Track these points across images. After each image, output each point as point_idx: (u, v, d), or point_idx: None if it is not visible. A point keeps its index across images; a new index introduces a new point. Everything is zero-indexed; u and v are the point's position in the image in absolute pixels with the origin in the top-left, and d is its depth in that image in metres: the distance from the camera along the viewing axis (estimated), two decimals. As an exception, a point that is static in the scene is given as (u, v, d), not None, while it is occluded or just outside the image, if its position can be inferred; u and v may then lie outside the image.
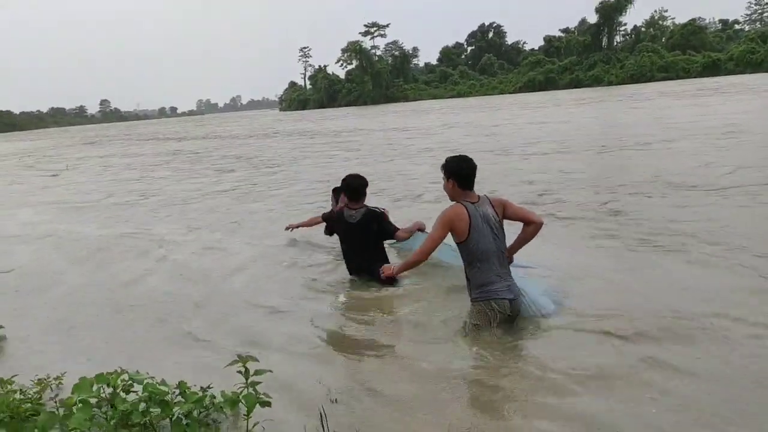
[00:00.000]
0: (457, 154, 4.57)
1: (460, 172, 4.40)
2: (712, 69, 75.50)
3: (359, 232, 5.83)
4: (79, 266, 7.52)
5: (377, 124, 38.37)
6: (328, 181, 12.75)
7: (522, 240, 4.59)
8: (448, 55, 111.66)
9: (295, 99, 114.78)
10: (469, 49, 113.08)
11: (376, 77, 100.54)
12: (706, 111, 24.59)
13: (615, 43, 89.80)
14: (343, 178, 5.99)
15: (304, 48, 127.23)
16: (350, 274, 6.00)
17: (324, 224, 6.51)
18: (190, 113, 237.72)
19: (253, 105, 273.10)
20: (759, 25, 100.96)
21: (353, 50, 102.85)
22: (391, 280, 5.45)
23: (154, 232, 9.36)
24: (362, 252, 5.83)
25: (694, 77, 73.78)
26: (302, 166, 17.78)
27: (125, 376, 3.37)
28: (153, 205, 12.40)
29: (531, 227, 4.50)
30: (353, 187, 5.88)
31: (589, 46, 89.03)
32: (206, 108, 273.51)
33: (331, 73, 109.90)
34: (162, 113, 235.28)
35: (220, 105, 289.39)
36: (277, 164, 18.87)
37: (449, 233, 4.41)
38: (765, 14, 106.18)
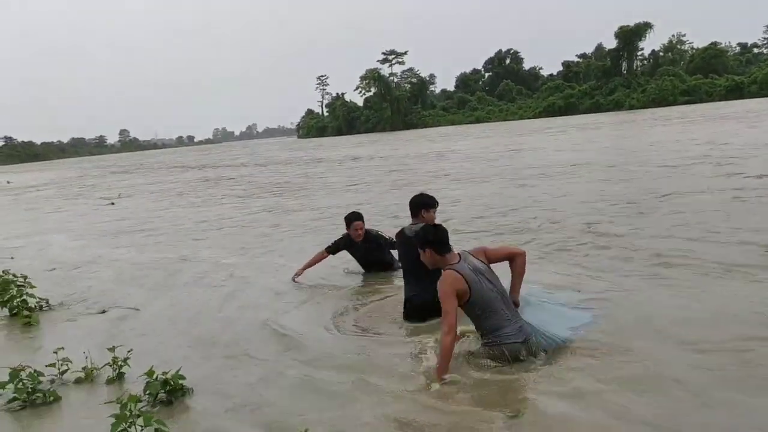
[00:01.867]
0: (426, 224, 4.82)
1: (435, 240, 4.50)
2: (736, 92, 74.96)
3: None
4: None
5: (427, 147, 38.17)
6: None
7: (517, 277, 4.65)
8: (466, 81, 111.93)
9: (313, 126, 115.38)
10: (487, 75, 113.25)
11: (395, 104, 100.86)
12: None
13: (635, 68, 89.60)
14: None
15: (322, 76, 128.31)
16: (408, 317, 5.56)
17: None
18: (207, 141, 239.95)
19: (269, 133, 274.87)
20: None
21: (372, 77, 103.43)
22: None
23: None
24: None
25: (718, 101, 73.29)
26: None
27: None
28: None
29: (518, 261, 4.60)
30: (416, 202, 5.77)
31: (608, 71, 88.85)
32: (222, 136, 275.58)
33: (349, 100, 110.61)
34: (180, 142, 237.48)
35: (236, 133, 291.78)
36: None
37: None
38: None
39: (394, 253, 7.11)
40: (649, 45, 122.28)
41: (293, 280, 7.35)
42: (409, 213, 5.79)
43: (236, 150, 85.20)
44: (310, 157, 42.63)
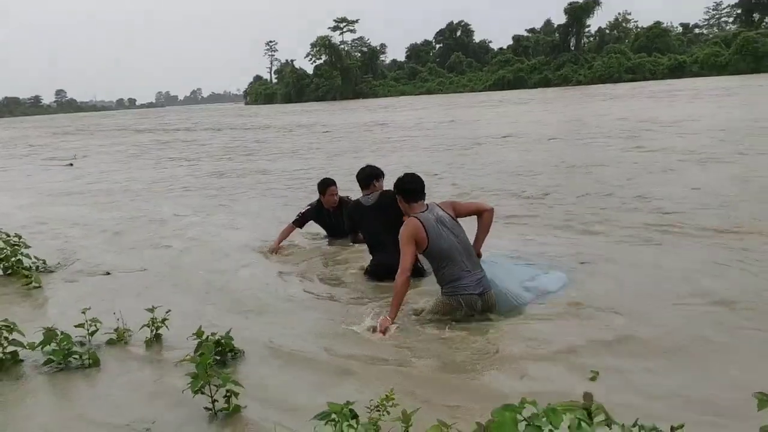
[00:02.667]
0: (406, 173, 4.83)
1: (404, 188, 4.70)
2: (678, 71, 77.30)
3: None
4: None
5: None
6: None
7: (482, 230, 4.75)
8: (417, 52, 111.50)
9: (261, 93, 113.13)
10: (437, 46, 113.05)
11: (346, 73, 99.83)
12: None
13: (582, 44, 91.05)
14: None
15: (271, 42, 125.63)
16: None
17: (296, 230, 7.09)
18: (149, 105, 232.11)
19: (215, 98, 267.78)
20: (717, 30, 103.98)
21: (322, 45, 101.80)
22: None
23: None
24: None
25: (661, 79, 75.40)
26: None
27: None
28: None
29: (485, 215, 4.70)
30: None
31: (557, 47, 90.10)
32: (166, 100, 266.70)
33: (299, 67, 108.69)
34: (120, 105, 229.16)
35: (180, 98, 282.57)
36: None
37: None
38: (722, 19, 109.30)
39: None
40: (596, 22, 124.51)
41: (270, 255, 7.04)
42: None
43: (183, 114, 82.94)
44: (259, 123, 41.95)
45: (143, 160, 21.03)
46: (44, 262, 6.73)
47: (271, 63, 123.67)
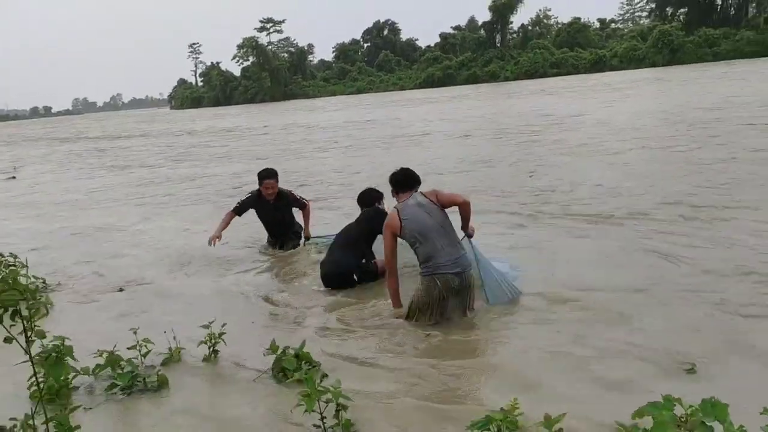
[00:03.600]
0: (400, 167, 5.10)
1: (392, 179, 5.00)
2: (600, 64, 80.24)
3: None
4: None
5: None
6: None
7: (464, 218, 4.96)
8: (345, 51, 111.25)
9: (188, 97, 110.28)
10: (365, 45, 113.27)
11: (274, 74, 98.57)
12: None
13: (507, 41, 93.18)
14: None
15: (194, 44, 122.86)
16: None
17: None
18: (66, 112, 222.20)
19: (136, 104, 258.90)
20: (631, 24, 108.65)
21: (249, 46, 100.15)
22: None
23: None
24: None
25: (584, 73, 78.10)
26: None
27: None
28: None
29: (462, 207, 4.85)
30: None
31: (483, 43, 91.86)
32: (84, 107, 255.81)
33: (225, 69, 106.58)
34: (35, 113, 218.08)
35: (99, 104, 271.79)
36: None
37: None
38: (636, 14, 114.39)
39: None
40: (518, 19, 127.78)
41: (211, 244, 6.90)
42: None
43: (105, 120, 80.00)
44: (188, 128, 41.02)
45: (81, 169, 20.57)
46: (44, 281, 6.34)
47: (196, 66, 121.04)
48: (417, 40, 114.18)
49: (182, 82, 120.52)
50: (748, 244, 5.93)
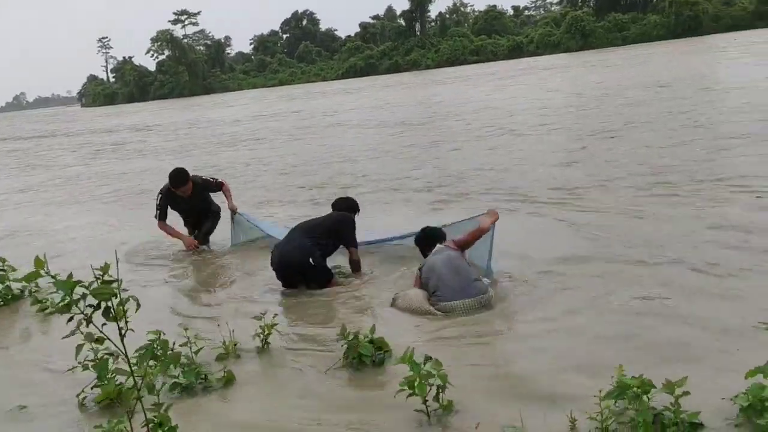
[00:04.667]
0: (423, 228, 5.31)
1: (417, 242, 5.29)
2: (517, 51, 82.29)
3: None
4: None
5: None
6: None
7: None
8: (264, 43, 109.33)
9: (99, 93, 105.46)
10: (284, 36, 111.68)
11: (192, 68, 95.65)
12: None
13: (427, 29, 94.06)
14: None
15: (104, 38, 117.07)
16: None
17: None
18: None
19: (42, 102, 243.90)
20: (543, 11, 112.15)
21: (164, 40, 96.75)
22: None
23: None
24: None
25: (502, 59, 79.90)
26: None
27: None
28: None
29: (475, 237, 5.04)
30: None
31: (404, 32, 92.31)
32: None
33: (138, 64, 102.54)
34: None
35: (1, 103, 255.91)
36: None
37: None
38: (548, 0, 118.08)
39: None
40: (435, 8, 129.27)
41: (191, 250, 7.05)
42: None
43: (8, 120, 75.38)
44: (101, 127, 39.38)
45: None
46: (36, 285, 5.88)
47: (107, 61, 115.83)
48: (336, 30, 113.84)
49: (93, 78, 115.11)
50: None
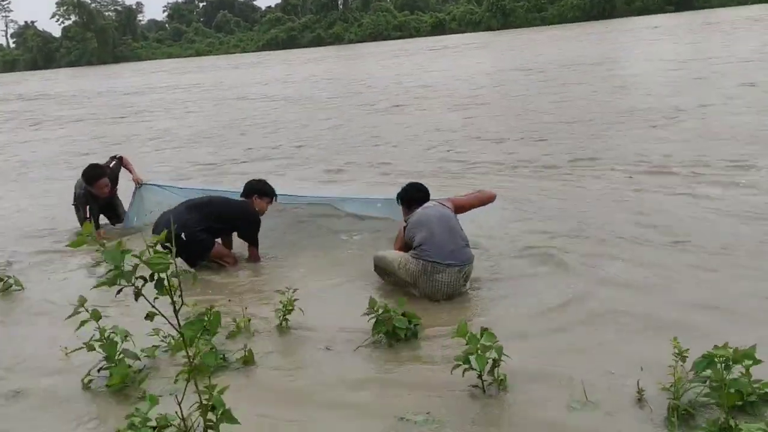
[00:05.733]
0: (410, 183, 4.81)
1: (402, 197, 4.72)
2: (439, 27, 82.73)
3: None
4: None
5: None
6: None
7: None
8: (179, 11, 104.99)
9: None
10: (201, 5, 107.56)
11: (101, 34, 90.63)
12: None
13: (350, 2, 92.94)
14: None
15: (2, 2, 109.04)
16: None
17: None
18: None
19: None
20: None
21: (70, 4, 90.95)
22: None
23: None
24: None
25: (425, 35, 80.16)
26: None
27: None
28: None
29: (474, 205, 4.80)
30: None
31: (326, 5, 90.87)
32: None
33: (42, 29, 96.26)
34: None
35: None
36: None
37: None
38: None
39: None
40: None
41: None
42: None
43: None
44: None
45: None
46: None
47: (6, 26, 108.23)
48: (255, 0, 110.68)
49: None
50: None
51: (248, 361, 3.34)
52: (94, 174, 6.05)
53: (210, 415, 2.37)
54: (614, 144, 8.75)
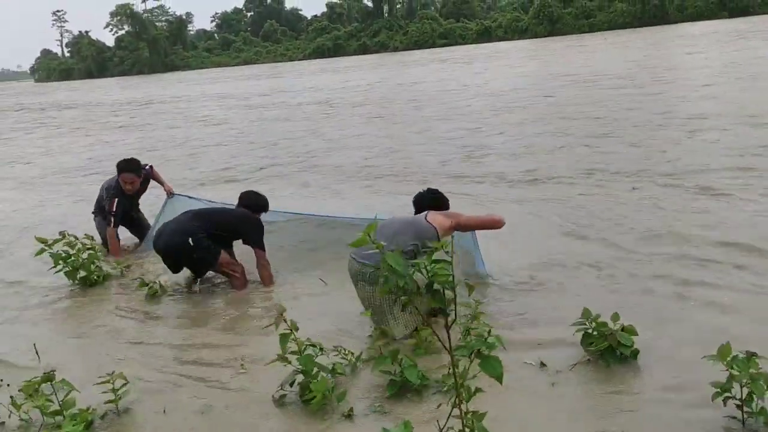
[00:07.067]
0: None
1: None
2: (485, 35, 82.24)
3: None
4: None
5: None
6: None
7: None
8: (227, 21, 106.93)
9: (55, 69, 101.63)
10: (249, 14, 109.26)
11: (153, 44, 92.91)
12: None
13: (395, 11, 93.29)
14: None
15: (58, 11, 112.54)
16: None
17: None
18: None
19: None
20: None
21: (123, 14, 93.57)
22: None
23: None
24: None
25: (471, 43, 79.79)
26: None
27: None
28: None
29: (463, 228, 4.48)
30: None
31: (371, 13, 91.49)
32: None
33: (96, 39, 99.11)
34: None
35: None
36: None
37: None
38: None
39: None
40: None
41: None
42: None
43: None
44: (81, 100, 37.84)
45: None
46: (128, 267, 5.42)
47: (62, 35, 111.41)
48: (301, 10, 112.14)
49: (47, 53, 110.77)
50: None
51: (446, 382, 3.24)
52: (128, 165, 5.92)
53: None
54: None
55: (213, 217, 5.05)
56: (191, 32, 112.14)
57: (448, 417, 2.25)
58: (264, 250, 5.05)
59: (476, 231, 4.51)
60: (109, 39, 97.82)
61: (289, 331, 3.16)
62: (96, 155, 13.80)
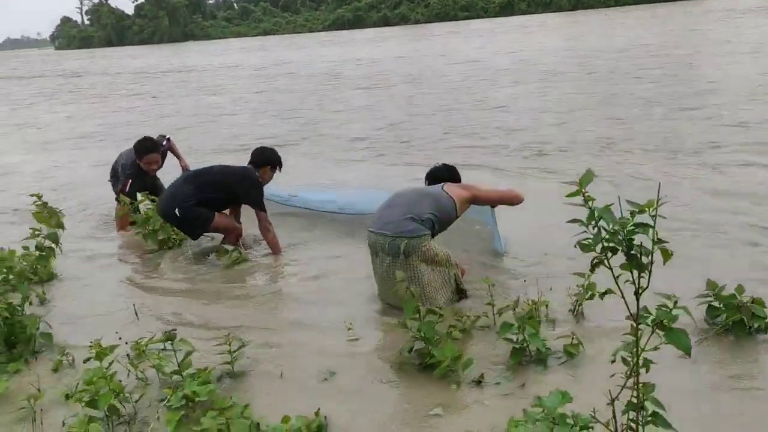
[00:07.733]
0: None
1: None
2: (508, 9, 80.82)
3: None
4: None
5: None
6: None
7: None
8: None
9: (75, 37, 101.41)
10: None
11: (172, 13, 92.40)
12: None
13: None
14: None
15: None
16: None
17: None
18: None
19: (13, 44, 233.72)
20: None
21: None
22: None
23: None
24: None
25: (493, 16, 78.58)
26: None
27: None
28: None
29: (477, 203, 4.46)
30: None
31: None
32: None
33: (115, 7, 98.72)
34: None
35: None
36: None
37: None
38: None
39: None
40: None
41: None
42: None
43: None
44: (102, 68, 37.75)
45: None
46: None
47: (81, 3, 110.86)
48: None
49: (66, 21, 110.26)
50: None
51: (572, 352, 3.15)
52: (147, 146, 5.59)
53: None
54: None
55: (207, 177, 4.86)
56: (210, 1, 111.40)
57: (622, 388, 2.15)
58: (265, 212, 4.83)
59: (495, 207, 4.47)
60: (129, 7, 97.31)
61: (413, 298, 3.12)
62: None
